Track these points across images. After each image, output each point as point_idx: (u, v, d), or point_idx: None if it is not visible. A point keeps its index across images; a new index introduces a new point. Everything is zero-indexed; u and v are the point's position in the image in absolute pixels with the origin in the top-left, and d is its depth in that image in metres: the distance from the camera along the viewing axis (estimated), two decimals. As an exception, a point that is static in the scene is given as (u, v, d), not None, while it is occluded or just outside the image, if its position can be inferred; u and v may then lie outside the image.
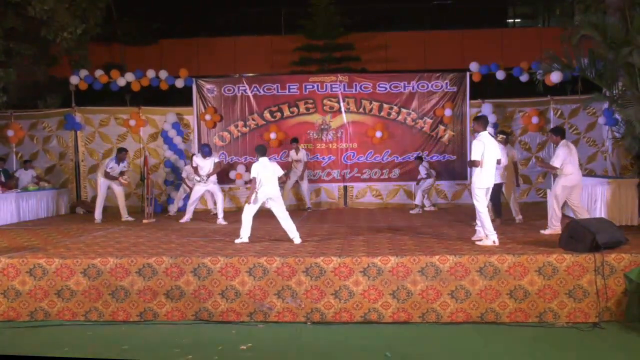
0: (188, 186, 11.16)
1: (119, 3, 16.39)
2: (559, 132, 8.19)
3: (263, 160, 7.64)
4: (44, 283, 6.46)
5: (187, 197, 10.86)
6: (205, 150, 10.10)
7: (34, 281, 6.47)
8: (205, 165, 10.01)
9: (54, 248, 7.37)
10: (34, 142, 13.04)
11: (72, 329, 6.20)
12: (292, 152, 12.10)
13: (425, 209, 11.55)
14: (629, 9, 9.26)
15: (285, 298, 6.27)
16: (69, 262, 6.47)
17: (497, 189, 8.67)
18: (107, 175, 10.47)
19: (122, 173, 10.61)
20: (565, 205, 8.78)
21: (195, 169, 10.06)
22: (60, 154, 13.01)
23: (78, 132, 12.85)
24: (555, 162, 7.81)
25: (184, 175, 11.46)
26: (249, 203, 7.60)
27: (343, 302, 6.23)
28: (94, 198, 12.31)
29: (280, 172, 7.78)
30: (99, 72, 12.73)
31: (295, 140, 12.13)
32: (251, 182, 7.67)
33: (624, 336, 5.69)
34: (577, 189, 7.95)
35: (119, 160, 10.55)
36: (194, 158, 10.29)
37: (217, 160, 10.34)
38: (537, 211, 9.91)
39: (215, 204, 10.46)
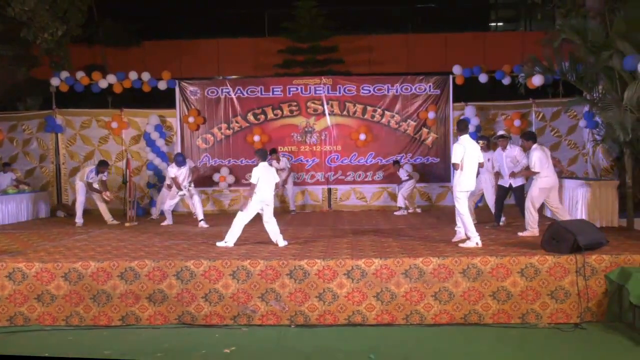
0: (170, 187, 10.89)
1: (101, 4, 16.24)
2: (531, 137, 8.24)
3: (263, 164, 7.57)
4: (23, 287, 6.36)
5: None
6: (179, 160, 10.05)
7: (13, 285, 6.36)
8: (182, 173, 10.02)
9: (34, 252, 7.25)
10: (13, 144, 12.86)
11: (52, 334, 6.11)
12: (274, 162, 11.70)
13: (409, 211, 11.59)
14: (609, 13, 9.39)
15: (269, 301, 6.25)
16: (50, 266, 6.38)
17: (520, 191, 8.78)
18: (90, 187, 10.40)
19: (103, 182, 10.52)
20: (544, 207, 8.86)
21: (175, 180, 9.99)
22: (41, 157, 12.85)
23: (59, 134, 12.70)
24: (536, 166, 7.79)
25: (168, 182, 10.79)
26: (242, 210, 7.55)
27: (327, 305, 6.22)
28: (75, 201, 12.19)
29: (278, 179, 7.80)
30: (80, 74, 12.60)
31: (273, 151, 11.85)
32: (250, 186, 7.56)
33: (605, 336, 5.75)
34: (554, 190, 8.02)
35: (99, 172, 10.46)
36: (169, 169, 10.18)
37: (192, 165, 10.52)
38: (519, 213, 9.98)
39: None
